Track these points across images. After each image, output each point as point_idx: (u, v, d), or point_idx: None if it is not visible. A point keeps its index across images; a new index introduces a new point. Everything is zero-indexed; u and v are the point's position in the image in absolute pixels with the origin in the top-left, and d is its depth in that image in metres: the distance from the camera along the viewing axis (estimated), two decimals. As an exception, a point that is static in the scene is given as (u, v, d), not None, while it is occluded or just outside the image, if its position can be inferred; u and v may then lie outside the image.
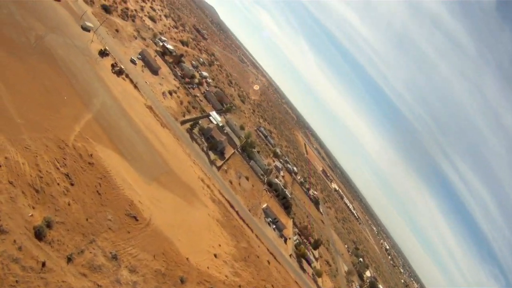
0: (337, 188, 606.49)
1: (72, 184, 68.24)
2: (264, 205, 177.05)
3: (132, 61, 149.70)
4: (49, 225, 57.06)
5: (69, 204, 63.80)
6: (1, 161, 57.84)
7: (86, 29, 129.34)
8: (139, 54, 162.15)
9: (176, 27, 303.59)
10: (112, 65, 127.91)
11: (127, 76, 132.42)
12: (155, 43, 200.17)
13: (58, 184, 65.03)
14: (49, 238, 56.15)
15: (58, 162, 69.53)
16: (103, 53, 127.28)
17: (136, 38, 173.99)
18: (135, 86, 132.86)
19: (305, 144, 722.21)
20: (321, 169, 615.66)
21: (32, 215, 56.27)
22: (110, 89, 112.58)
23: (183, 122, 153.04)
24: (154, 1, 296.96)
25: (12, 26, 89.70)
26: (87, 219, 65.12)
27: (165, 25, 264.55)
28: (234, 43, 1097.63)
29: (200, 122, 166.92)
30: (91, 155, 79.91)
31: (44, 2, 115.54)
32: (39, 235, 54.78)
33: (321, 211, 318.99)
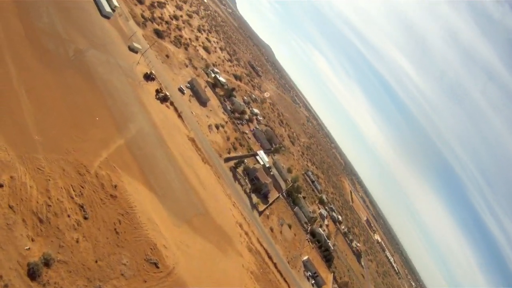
0: (380, 240, 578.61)
1: (85, 218, 59.79)
2: (305, 258, 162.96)
3: (180, 90, 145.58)
4: (47, 263, 48.21)
5: (77, 241, 55.14)
6: (4, 180, 50.53)
7: (133, 50, 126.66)
8: (188, 83, 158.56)
9: (231, 61, 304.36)
10: (157, 91, 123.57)
11: (171, 103, 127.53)
12: (207, 74, 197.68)
13: (68, 216, 56.77)
14: (45, 278, 47.07)
15: (73, 190, 61.96)
16: (148, 77, 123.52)
17: (187, 66, 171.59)
18: (179, 115, 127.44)
19: (351, 192, 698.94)
20: (365, 218, 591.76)
21: (29, 248, 47.78)
22: (150, 116, 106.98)
23: (227, 160, 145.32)
24: (211, 32, 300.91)
25: (51, 36, 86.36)
26: (96, 261, 56.06)
27: (219, 57, 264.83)
28: (288, 83, 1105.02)
29: (245, 161, 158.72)
30: (115, 186, 72.28)
31: (92, 17, 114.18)
32: (32, 273, 45.91)
33: (363, 264, 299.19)
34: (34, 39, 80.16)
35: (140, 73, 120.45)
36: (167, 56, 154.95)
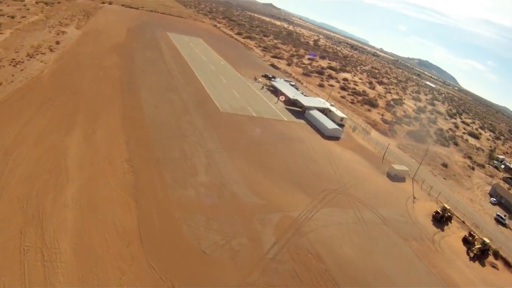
0: None
1: None
2: None
3: (499, 219, 76.18)
4: None
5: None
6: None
7: (396, 177, 67.19)
8: (490, 194, 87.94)
9: (499, 139, 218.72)
10: (466, 241, 58.11)
11: (497, 256, 59.08)
12: (497, 168, 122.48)
13: None
14: None
15: None
16: (440, 219, 59.77)
17: (473, 169, 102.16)
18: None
19: None
20: None
21: None
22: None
23: None
24: (461, 114, 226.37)
25: (208, 192, 36.50)
26: None
27: (488, 139, 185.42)
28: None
29: None
30: None
31: (305, 146, 61.93)
32: None
33: None
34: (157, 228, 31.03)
35: (424, 218, 57.80)
36: (445, 165, 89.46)
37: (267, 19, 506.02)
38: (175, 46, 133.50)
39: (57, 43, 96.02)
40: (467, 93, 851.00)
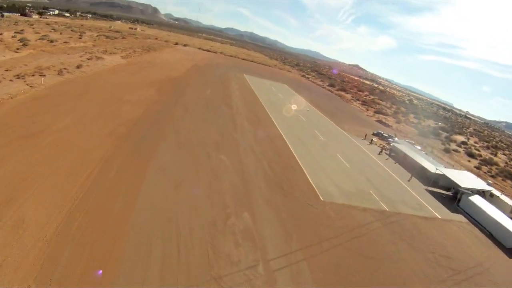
0: None
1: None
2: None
3: None
4: None
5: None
6: None
7: None
8: None
9: None
10: None
11: None
12: None
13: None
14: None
15: None
16: None
17: None
18: None
19: None
20: None
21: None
22: None
23: None
24: None
25: None
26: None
27: None
28: None
29: None
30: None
31: None
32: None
33: None
34: None
35: None
36: None
37: (356, 77, 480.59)
38: (251, 89, 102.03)
39: (78, 67, 67.83)
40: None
